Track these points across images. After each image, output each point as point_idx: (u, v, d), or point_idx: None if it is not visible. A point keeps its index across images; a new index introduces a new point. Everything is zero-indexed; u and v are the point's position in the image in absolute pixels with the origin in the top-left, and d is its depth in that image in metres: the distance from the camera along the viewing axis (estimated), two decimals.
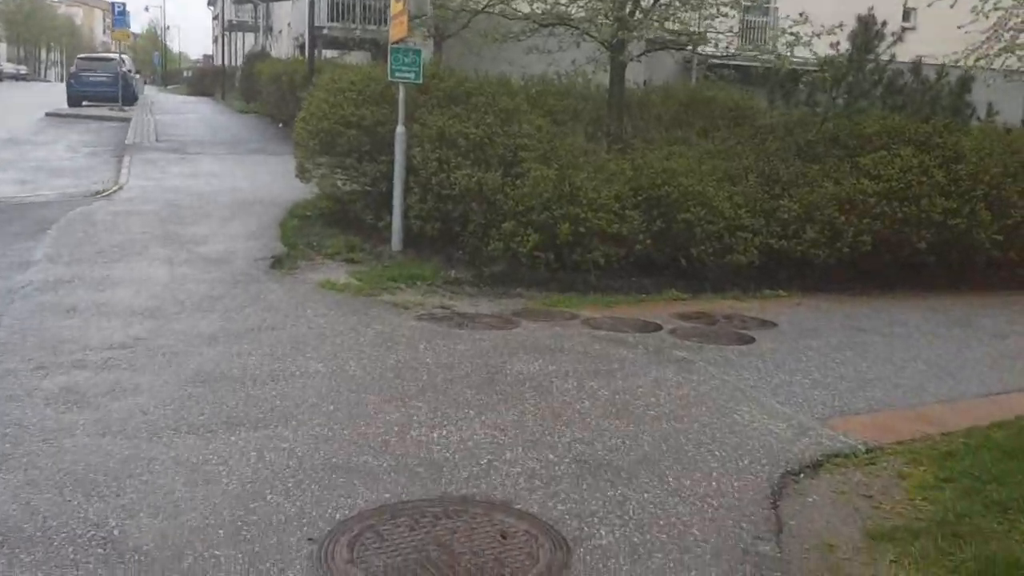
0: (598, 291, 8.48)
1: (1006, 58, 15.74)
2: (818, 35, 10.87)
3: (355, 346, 5.82)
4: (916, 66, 12.28)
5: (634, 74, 14.08)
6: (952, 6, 13.75)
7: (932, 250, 9.97)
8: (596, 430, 4.47)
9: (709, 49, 16.09)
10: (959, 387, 5.92)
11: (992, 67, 14.83)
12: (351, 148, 9.57)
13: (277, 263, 8.27)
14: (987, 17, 13.82)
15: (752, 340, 6.80)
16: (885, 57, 11.94)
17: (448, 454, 4.06)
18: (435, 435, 4.29)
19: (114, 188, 12.34)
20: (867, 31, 11.59)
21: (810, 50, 11.09)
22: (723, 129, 11.26)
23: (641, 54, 12.62)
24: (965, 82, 12.14)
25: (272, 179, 12.88)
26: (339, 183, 9.80)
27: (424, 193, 8.82)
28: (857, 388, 5.64)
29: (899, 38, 11.74)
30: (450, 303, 7.53)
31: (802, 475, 4.10)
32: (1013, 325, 8.37)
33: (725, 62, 16.09)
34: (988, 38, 14.27)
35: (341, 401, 4.73)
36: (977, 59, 14.32)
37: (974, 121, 12.52)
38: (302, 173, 10.34)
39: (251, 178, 13.33)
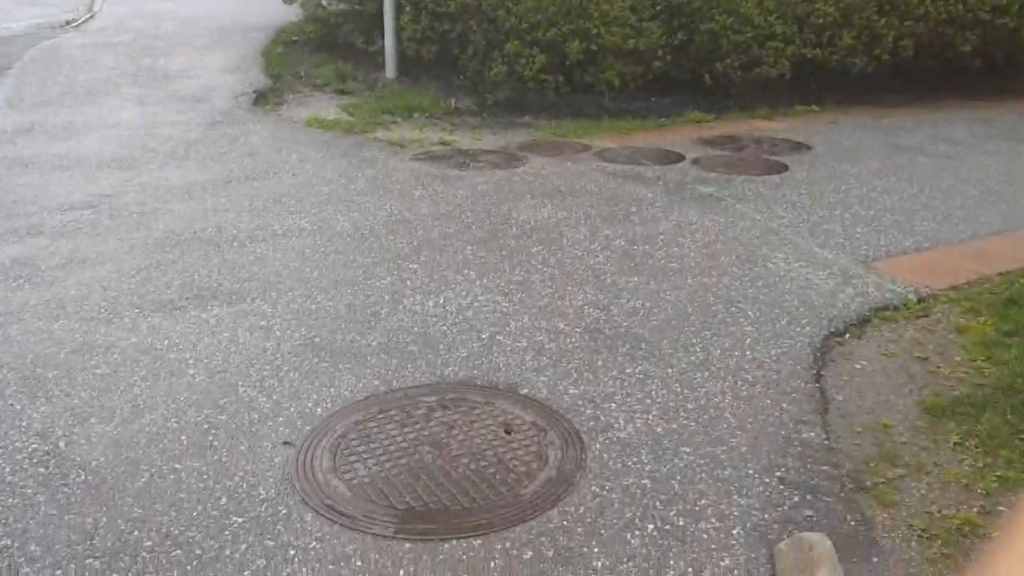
0: (613, 115, 7.75)
1: None
2: None
3: (344, 196, 5.25)
4: None
5: None
6: None
7: (977, 53, 9.06)
8: (612, 290, 3.96)
9: None
10: (1015, 213, 5.31)
11: None
12: None
13: (261, 98, 7.56)
14: None
15: (785, 168, 6.14)
16: None
17: (445, 327, 3.58)
18: (431, 304, 3.80)
19: (86, 16, 11.39)
20: None
21: None
22: None
23: None
24: None
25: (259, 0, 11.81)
26: (324, 3, 8.85)
27: (417, 11, 7.92)
28: (904, 221, 5.05)
29: None
30: (450, 138, 6.86)
31: (848, 335, 3.60)
32: None
33: None
34: None
35: (327, 265, 4.22)
36: None
37: None
38: None
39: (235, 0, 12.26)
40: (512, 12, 7.50)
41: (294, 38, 9.24)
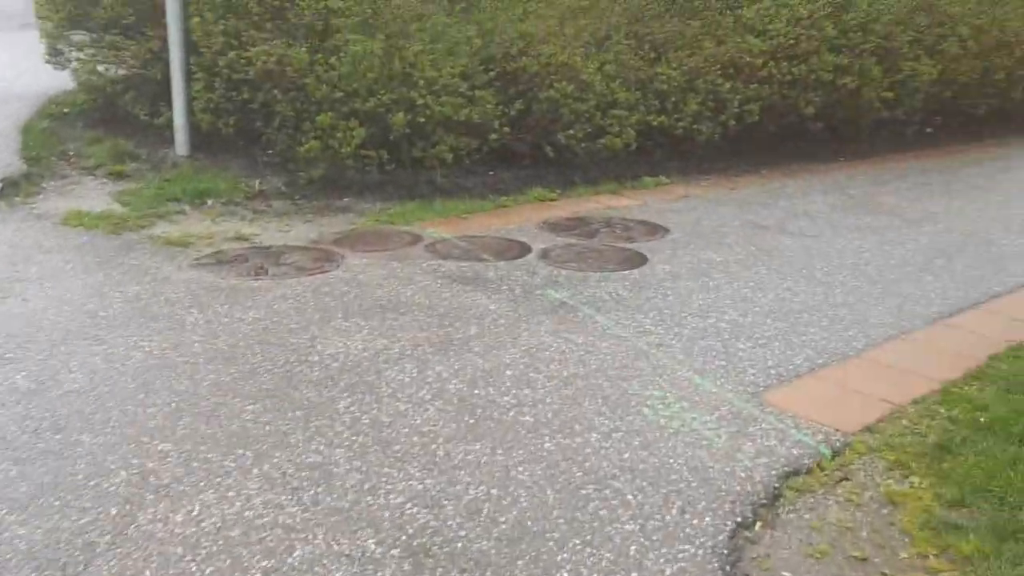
0: (447, 194, 6.78)
1: None
2: None
3: (88, 331, 3.94)
4: None
5: None
6: None
7: (819, 115, 8.80)
8: (445, 469, 2.90)
9: None
10: (905, 309, 4.69)
11: None
12: (110, 20, 7.23)
13: (10, 188, 6.08)
14: None
15: (644, 260, 5.32)
16: None
17: (195, 565, 2.40)
18: (179, 518, 2.60)
19: None
20: None
21: None
22: None
23: None
24: None
25: (31, 64, 10.16)
26: (101, 68, 7.46)
27: (211, 78, 6.69)
28: (787, 329, 4.29)
29: None
30: (250, 230, 5.67)
31: (758, 524, 2.70)
32: (922, 203, 7.29)
33: None
34: None
35: (33, 456, 2.92)
36: None
37: None
38: (54, 56, 7.86)
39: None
40: (324, 79, 6.43)
41: (65, 110, 7.76)
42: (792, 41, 8.38)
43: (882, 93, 9.12)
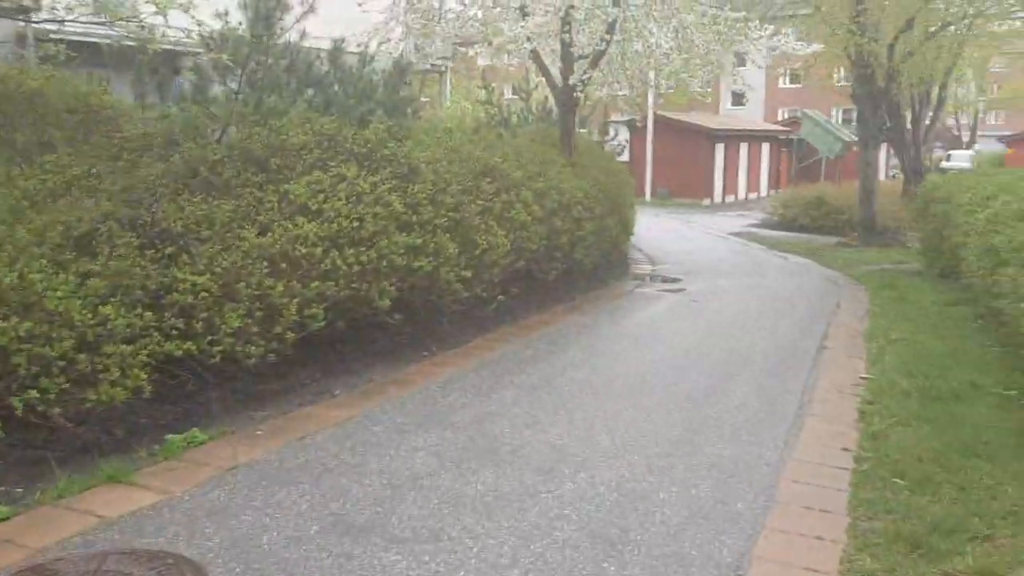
0: None
1: (407, 41, 14.05)
2: None
3: None
4: (336, 49, 9.25)
5: None
6: None
7: (398, 305, 7.16)
8: None
9: (44, 16, 11.07)
10: None
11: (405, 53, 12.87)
12: None
13: None
14: None
15: None
16: (294, 36, 8.71)
17: None
18: None
19: None
20: None
21: (193, 18, 7.26)
22: (62, 144, 6.76)
23: None
24: (403, 70, 9.52)
25: None
26: None
27: None
28: None
29: (311, 8, 8.54)
30: None
31: None
32: (540, 426, 5.80)
33: (63, 35, 11.18)
34: (387, 19, 12.29)
35: None
36: (380, 43, 12.23)
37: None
38: None
39: None
40: None
41: None
42: (356, 222, 6.67)
43: (461, 272, 7.82)
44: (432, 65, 16.54)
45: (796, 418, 6.11)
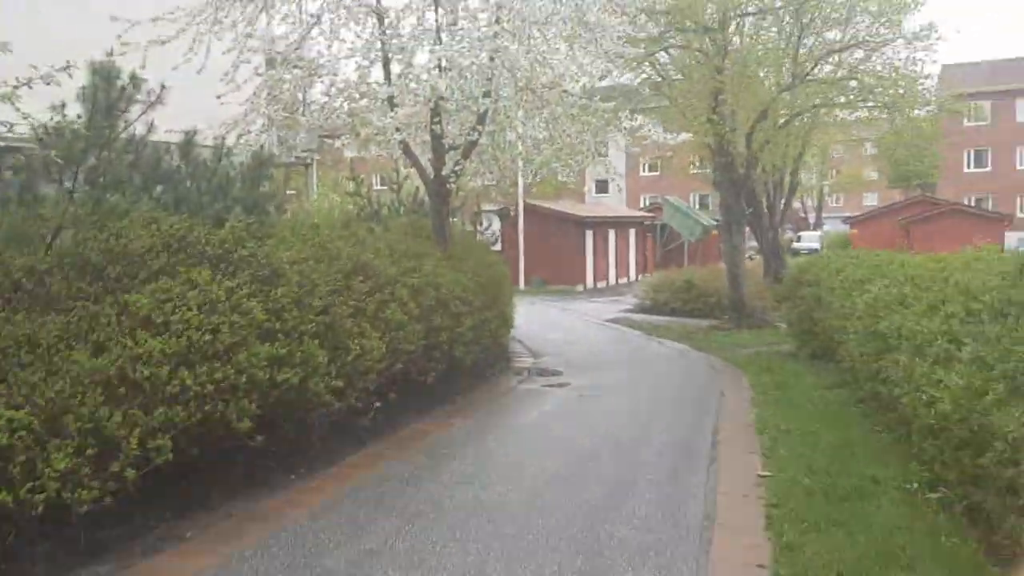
0: None
1: (270, 133, 13.48)
2: (28, 84, 6.30)
3: None
4: (187, 142, 8.54)
5: None
6: (200, 72, 10.75)
7: (260, 424, 6.36)
8: None
9: None
10: None
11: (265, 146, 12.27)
12: None
13: None
14: (239, 87, 11.24)
15: None
16: (141, 128, 8.00)
17: None
18: None
19: None
20: (110, 85, 7.45)
21: (17, 110, 6.45)
22: None
23: None
24: (264, 163, 8.88)
25: None
26: None
27: None
28: None
29: (158, 99, 7.87)
30: None
31: None
32: (423, 562, 5.11)
33: None
34: (247, 111, 11.71)
35: None
36: (240, 136, 11.61)
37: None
38: None
39: None
40: None
41: None
42: (209, 334, 5.91)
43: (332, 382, 7.11)
44: (297, 157, 15.94)
45: (703, 530, 5.67)
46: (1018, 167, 48.47)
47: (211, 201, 8.32)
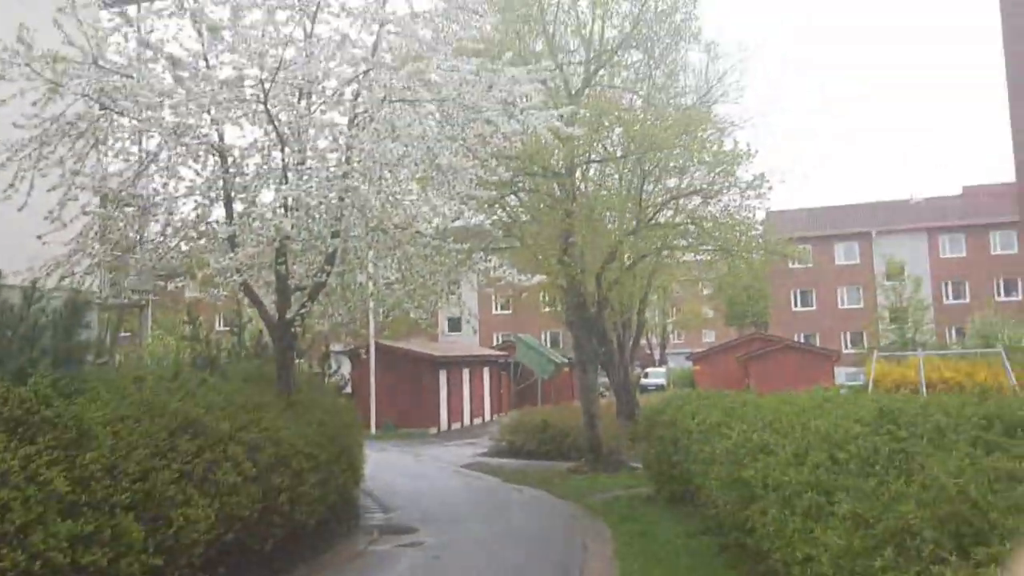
0: None
1: (101, 275, 12.53)
2: None
3: None
4: None
5: None
6: (20, 209, 9.92)
7: None
8: None
9: None
10: None
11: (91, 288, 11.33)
12: None
13: None
14: (66, 225, 10.42)
15: None
16: None
17: None
18: None
19: None
20: None
21: None
22: None
23: None
24: (79, 310, 7.96)
25: None
26: None
27: None
28: None
29: None
30: None
31: None
32: None
33: None
34: (74, 251, 10.83)
35: None
36: (63, 277, 10.68)
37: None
38: None
39: None
40: None
41: None
42: None
43: (149, 561, 6.16)
44: (129, 299, 14.79)
45: None
46: (840, 306, 52.21)
47: (17, 352, 7.31)
